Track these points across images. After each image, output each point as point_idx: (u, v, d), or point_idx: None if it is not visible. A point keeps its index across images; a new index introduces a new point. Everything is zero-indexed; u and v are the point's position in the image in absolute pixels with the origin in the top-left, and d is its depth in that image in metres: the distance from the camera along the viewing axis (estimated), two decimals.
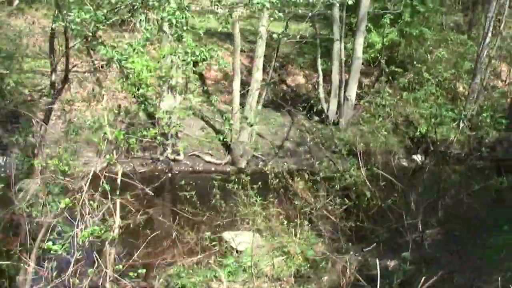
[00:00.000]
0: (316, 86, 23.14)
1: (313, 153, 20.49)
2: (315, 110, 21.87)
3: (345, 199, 12.76)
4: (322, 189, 13.06)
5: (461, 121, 22.76)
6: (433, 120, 22.55)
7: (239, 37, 18.96)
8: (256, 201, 11.40)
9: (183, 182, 11.94)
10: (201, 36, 21.98)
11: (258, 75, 19.09)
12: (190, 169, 19.13)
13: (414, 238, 11.39)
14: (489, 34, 22.87)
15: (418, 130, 22.10)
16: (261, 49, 18.93)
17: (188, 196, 11.63)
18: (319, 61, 22.34)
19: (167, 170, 18.80)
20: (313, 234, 12.03)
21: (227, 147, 19.75)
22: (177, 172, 18.85)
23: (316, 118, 22.38)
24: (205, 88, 23.06)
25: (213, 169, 19.27)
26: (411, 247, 11.13)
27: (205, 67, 24.35)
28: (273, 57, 22.01)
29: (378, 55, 23.93)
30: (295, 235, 11.93)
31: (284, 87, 24.48)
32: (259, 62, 19.02)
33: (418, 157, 22.00)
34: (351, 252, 11.55)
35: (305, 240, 11.83)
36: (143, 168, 18.66)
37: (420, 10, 23.81)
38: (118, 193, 8.55)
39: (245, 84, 20.55)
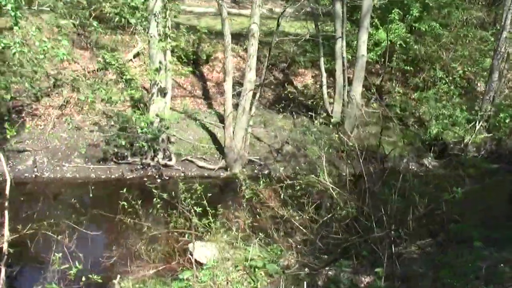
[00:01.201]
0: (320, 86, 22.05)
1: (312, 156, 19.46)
2: (318, 111, 20.75)
3: (319, 207, 11.75)
4: (294, 198, 11.95)
5: (477, 122, 21.48)
6: (445, 121, 21.33)
7: (229, 35, 18.00)
8: (208, 211, 10.46)
9: (124, 190, 10.93)
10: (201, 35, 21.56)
11: (251, 75, 18.09)
12: (182, 174, 18.20)
13: (388, 252, 10.30)
14: (507, 29, 21.41)
15: (428, 131, 20.85)
16: (253, 48, 17.91)
17: (125, 206, 10.62)
18: (321, 60, 21.21)
19: (157, 176, 17.96)
20: (280, 246, 11.01)
21: (222, 152, 18.85)
22: (167, 178, 17.97)
23: (321, 120, 21.31)
24: (206, 89, 22.41)
25: (206, 174, 18.39)
26: (386, 262, 10.07)
27: (208, 68, 23.70)
28: (275, 56, 21.12)
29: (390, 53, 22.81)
30: (261, 247, 11.03)
31: (291, 88, 23.46)
32: (252, 61, 18.02)
33: (427, 161, 20.71)
34: (321, 266, 10.53)
35: (269, 253, 10.87)
36: (132, 174, 17.89)
37: (430, 4, 22.45)
38: (6, 204, 7.72)
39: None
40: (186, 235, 10.39)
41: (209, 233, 10.57)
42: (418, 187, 10.76)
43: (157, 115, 17.93)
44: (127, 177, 17.78)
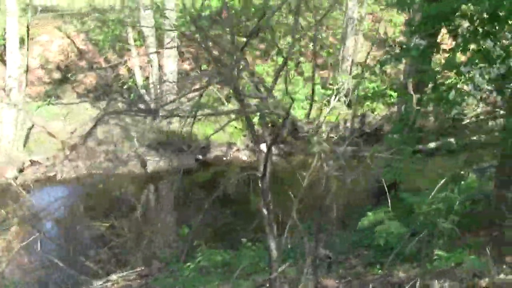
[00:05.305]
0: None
1: (119, 152, 16.39)
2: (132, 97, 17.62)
3: None
4: None
5: (333, 96, 18.26)
6: (292, 97, 18.11)
7: None
8: None
9: None
10: None
11: (13, 59, 14.93)
12: None
13: None
14: None
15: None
16: (11, 25, 14.76)
17: None
18: (130, 35, 17.87)
19: None
20: None
21: None
22: None
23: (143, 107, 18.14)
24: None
25: None
26: None
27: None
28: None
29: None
30: None
31: (123, 71, 20.09)
32: (12, 44, 14.86)
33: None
34: None
35: None
36: None
37: None
38: None
39: None
40: None
41: None
42: None
43: None
44: None
